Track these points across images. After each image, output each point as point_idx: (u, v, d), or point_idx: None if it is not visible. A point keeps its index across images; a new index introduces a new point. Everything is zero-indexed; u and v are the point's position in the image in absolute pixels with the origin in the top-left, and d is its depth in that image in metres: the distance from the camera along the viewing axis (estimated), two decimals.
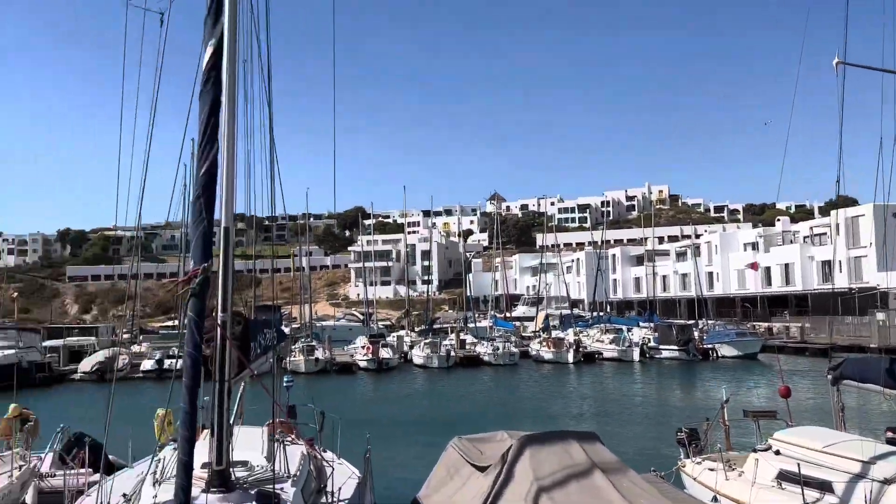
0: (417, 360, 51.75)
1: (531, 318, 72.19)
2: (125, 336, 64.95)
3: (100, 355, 48.06)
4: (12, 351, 42.90)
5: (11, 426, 15.22)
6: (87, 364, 47.12)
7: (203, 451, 9.75)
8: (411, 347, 55.65)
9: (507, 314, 75.58)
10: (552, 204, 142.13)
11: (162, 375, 44.84)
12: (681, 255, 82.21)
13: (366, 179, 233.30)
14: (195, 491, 8.67)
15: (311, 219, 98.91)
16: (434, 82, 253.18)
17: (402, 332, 63.99)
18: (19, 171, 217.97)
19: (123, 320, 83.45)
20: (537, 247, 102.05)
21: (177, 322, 59.52)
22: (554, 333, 59.21)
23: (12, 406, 15.38)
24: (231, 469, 8.97)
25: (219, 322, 9.05)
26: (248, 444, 10.45)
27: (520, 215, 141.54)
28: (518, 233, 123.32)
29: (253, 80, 9.84)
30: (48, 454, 16.01)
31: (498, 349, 52.31)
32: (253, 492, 8.60)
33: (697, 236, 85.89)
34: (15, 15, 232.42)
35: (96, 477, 13.20)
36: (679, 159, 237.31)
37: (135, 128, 8.91)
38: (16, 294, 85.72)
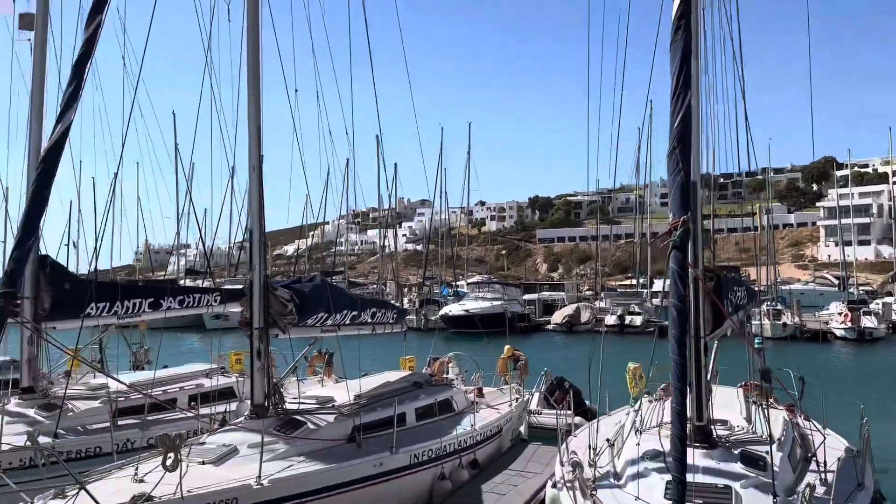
0: None
1: None
2: (587, 292, 70.26)
3: (568, 309, 53.03)
4: (499, 302, 50.36)
5: (506, 364, 17.76)
6: (558, 316, 52.52)
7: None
8: None
9: None
10: None
11: (623, 330, 47.19)
12: None
13: (836, 125, 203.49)
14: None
15: (772, 173, 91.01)
16: None
17: (889, 299, 54.72)
18: (497, 147, 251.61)
19: (586, 278, 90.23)
20: None
21: (634, 280, 61.56)
22: None
23: (506, 347, 17.92)
24: (712, 426, 8.83)
25: (691, 277, 8.92)
26: (725, 404, 10.17)
27: None
28: None
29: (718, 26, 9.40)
30: (535, 392, 18.24)
31: None
32: (736, 451, 8.32)
33: None
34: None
35: (576, 419, 14.49)
36: None
37: (600, 100, 9.28)
38: (497, 252, 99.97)
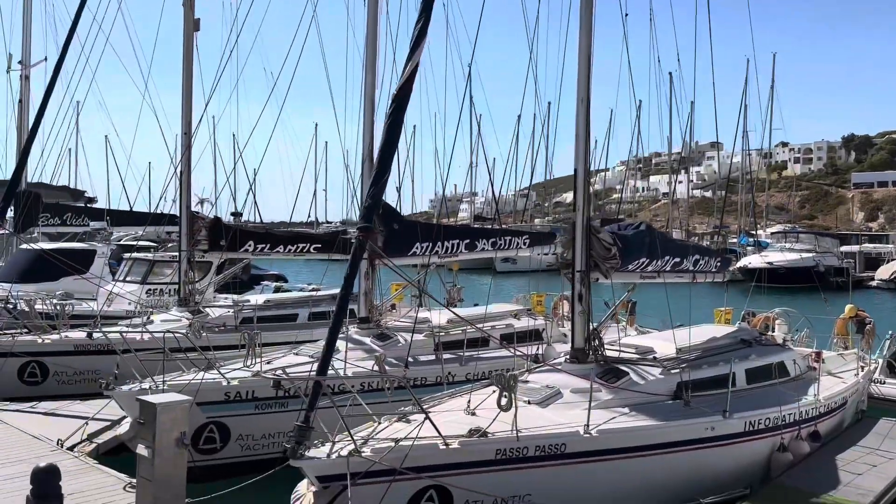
0: None
1: None
2: None
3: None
4: (810, 255, 45.00)
5: (846, 325, 15.38)
6: (885, 271, 46.00)
7: None
8: None
9: None
10: None
11: None
12: None
13: None
14: None
15: None
16: None
17: None
18: (804, 81, 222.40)
19: None
20: None
21: None
22: None
23: (848, 307, 15.47)
24: None
25: None
26: None
27: None
28: None
29: None
30: (878, 359, 15.61)
31: None
32: None
33: None
34: None
35: None
36: None
37: None
38: (802, 199, 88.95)
